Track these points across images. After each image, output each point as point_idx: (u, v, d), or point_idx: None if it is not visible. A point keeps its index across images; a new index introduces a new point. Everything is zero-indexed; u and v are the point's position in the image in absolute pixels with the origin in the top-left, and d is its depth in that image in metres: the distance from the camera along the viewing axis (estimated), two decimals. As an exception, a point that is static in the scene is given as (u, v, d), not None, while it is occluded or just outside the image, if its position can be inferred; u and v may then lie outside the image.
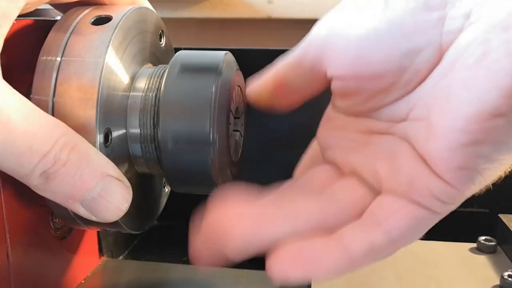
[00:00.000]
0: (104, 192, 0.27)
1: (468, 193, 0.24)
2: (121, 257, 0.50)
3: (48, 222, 0.35)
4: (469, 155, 0.22)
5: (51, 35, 0.30)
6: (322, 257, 0.24)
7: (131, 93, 0.32)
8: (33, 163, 0.25)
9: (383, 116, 0.26)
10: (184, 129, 0.30)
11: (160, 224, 0.60)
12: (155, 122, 0.31)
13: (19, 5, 0.26)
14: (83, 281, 0.41)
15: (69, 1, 0.31)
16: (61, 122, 0.27)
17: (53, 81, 0.28)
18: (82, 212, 0.28)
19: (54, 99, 0.28)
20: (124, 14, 0.31)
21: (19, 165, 0.25)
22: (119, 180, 0.28)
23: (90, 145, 0.27)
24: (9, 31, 0.26)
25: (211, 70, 0.31)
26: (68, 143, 0.26)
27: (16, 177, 0.26)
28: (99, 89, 0.28)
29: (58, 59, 0.29)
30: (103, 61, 0.28)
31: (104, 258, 0.45)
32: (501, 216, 0.41)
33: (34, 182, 0.26)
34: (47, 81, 0.28)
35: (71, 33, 0.30)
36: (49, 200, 0.30)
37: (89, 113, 0.28)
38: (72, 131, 0.27)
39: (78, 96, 0.28)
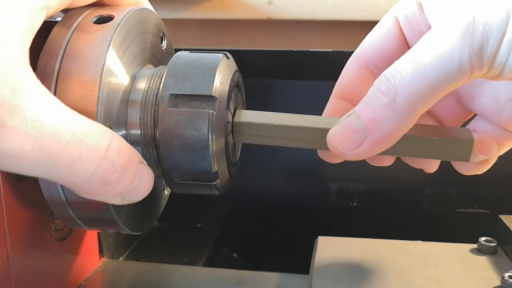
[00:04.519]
0: (140, 179, 0.28)
1: None
2: (121, 258, 0.50)
3: (49, 223, 0.35)
4: None
5: (53, 33, 0.30)
6: None
7: (131, 93, 0.32)
8: (88, 172, 0.25)
9: None
10: (184, 131, 0.30)
11: (160, 225, 0.60)
12: (155, 123, 0.31)
13: (42, 17, 0.26)
14: (83, 282, 0.41)
15: (86, 4, 0.31)
16: (102, 125, 0.26)
17: (55, 78, 0.28)
18: (116, 201, 0.28)
19: (55, 96, 0.28)
20: (126, 14, 0.31)
21: (72, 176, 0.25)
22: (144, 163, 0.28)
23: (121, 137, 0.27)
24: None
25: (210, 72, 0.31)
26: (120, 145, 0.26)
27: (70, 187, 0.26)
28: (100, 86, 0.28)
29: (60, 56, 0.29)
30: (104, 59, 0.28)
31: (105, 259, 0.45)
32: (502, 217, 0.41)
33: (89, 190, 0.26)
34: (48, 78, 0.28)
35: (73, 32, 0.30)
36: (50, 201, 0.31)
37: (90, 110, 0.28)
38: (112, 131, 0.27)
39: (79, 93, 0.28)
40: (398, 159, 0.33)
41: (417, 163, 0.34)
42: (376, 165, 0.34)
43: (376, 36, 0.34)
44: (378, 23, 0.34)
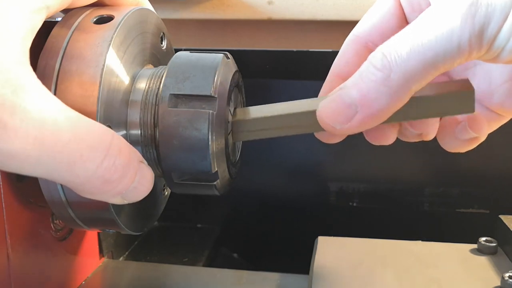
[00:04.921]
0: (140, 178, 0.27)
1: None
2: (121, 258, 0.50)
3: (49, 223, 0.35)
4: None
5: (53, 33, 0.30)
6: None
7: (131, 93, 0.32)
8: (89, 171, 0.25)
9: None
10: (184, 131, 0.30)
11: (160, 225, 0.60)
12: (155, 123, 0.31)
13: (42, 17, 0.26)
14: (83, 282, 0.41)
15: (86, 4, 0.31)
16: (102, 124, 0.26)
17: (55, 78, 0.28)
18: (117, 201, 0.28)
19: (55, 96, 0.28)
20: (126, 14, 0.31)
21: (73, 175, 0.25)
22: (144, 163, 0.28)
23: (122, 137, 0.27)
24: None
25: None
26: (120, 145, 0.26)
27: (70, 187, 0.26)
28: (100, 86, 0.28)
29: (60, 56, 0.29)
30: (104, 59, 0.28)
31: (105, 259, 0.45)
32: (502, 217, 0.41)
33: (90, 189, 0.26)
34: (48, 78, 0.28)
35: (73, 32, 0.30)
36: (50, 201, 0.31)
37: (90, 110, 0.28)
38: (112, 131, 0.27)
39: (79, 93, 0.28)
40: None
41: (416, 127, 0.33)
42: (377, 143, 0.33)
43: (376, 15, 0.33)
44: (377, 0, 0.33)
